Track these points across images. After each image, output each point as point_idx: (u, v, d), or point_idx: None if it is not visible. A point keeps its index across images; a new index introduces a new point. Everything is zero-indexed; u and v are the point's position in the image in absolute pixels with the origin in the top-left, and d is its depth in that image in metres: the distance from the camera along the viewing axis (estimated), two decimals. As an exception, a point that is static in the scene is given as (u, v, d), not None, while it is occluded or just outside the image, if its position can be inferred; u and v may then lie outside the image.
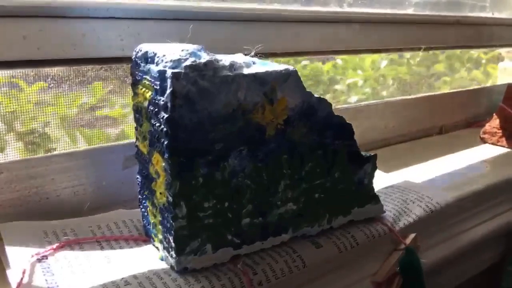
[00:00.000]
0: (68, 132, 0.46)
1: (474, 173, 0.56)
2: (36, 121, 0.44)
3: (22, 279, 0.29)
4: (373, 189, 0.41)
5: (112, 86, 0.48)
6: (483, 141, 0.70)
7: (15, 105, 0.42)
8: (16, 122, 0.44)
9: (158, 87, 0.30)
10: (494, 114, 0.72)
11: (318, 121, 0.35)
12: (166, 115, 0.29)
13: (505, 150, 0.66)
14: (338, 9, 0.56)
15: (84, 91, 0.46)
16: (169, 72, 0.29)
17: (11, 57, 0.35)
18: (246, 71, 0.31)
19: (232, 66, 0.31)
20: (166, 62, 0.30)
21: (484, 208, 0.51)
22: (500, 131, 0.68)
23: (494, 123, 0.70)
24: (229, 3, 0.47)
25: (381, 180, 0.50)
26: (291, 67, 0.33)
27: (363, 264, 0.39)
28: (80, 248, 0.34)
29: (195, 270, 0.32)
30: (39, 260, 0.32)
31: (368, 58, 0.96)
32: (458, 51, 1.05)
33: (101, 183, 0.41)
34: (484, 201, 0.51)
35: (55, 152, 0.39)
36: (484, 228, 0.50)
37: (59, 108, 0.45)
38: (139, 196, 0.37)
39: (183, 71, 0.29)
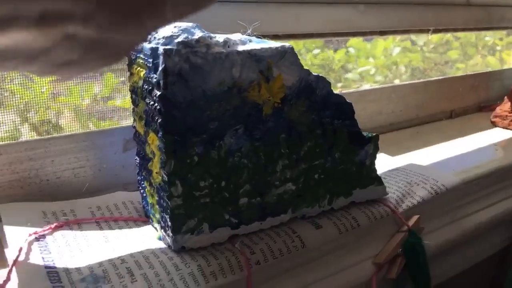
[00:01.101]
0: (81, 122, 0.46)
1: (483, 156, 0.55)
2: (50, 111, 0.45)
3: (18, 256, 0.29)
4: (375, 170, 0.40)
5: (123, 78, 0.48)
6: (494, 124, 0.68)
7: (29, 96, 0.42)
8: (29, 113, 0.44)
9: (151, 65, 0.30)
10: (505, 97, 0.70)
11: (316, 100, 0.35)
12: (159, 93, 0.29)
13: (516, 133, 0.64)
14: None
15: (97, 82, 0.46)
16: (161, 49, 0.28)
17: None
18: (240, 48, 0.31)
19: (226, 43, 0.30)
20: (158, 39, 0.29)
21: (492, 191, 0.50)
22: (511, 114, 0.67)
23: (505, 107, 0.68)
24: (228, -17, 0.46)
25: (386, 163, 0.49)
26: (287, 44, 0.32)
27: (364, 246, 0.38)
28: (78, 228, 0.35)
29: (193, 249, 0.32)
30: (37, 239, 0.32)
31: (380, 46, 0.94)
32: (473, 38, 1.03)
33: (102, 165, 0.41)
34: (492, 184, 0.50)
35: (54, 135, 0.39)
36: (492, 211, 0.48)
37: (72, 98, 0.45)
38: (138, 177, 0.37)
39: (175, 47, 0.28)
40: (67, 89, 0.44)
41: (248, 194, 0.34)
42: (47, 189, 0.39)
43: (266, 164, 0.34)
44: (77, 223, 0.35)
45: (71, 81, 0.43)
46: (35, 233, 0.32)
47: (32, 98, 0.42)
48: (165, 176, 0.30)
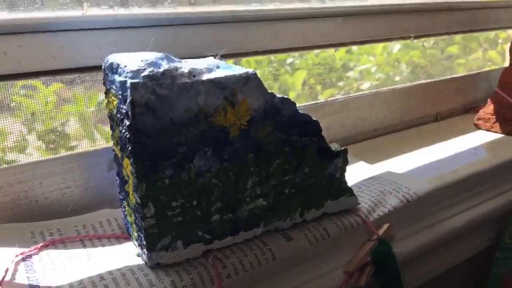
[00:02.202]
0: (86, 130, 0.49)
1: (461, 161, 0.56)
2: (55, 121, 0.48)
3: (4, 277, 0.31)
4: (345, 182, 0.42)
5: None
6: (477, 127, 0.70)
7: (35, 107, 0.45)
8: (36, 123, 0.47)
9: (120, 97, 0.32)
10: (488, 99, 0.71)
11: (282, 120, 0.37)
12: (128, 123, 0.31)
13: (498, 136, 0.66)
14: (318, 5, 0.56)
15: (101, 90, 0.48)
16: (128, 83, 0.30)
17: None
18: (205, 77, 0.33)
19: (191, 73, 0.32)
20: (127, 73, 0.31)
21: (469, 195, 0.51)
22: (494, 116, 0.68)
23: (488, 109, 0.70)
24: (205, 7, 0.48)
25: (363, 172, 0.51)
26: (250, 70, 0.35)
27: (336, 255, 0.40)
28: (63, 247, 0.37)
29: (168, 265, 0.35)
30: (23, 259, 0.34)
31: (380, 44, 0.95)
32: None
33: (88, 184, 0.44)
34: (469, 189, 0.51)
35: (41, 158, 0.42)
36: (468, 215, 0.50)
37: (77, 107, 0.47)
38: (120, 197, 0.39)
39: (141, 81, 0.31)
40: (73, 98, 0.47)
41: (219, 211, 0.36)
42: (36, 209, 0.41)
43: (236, 182, 0.36)
44: (62, 242, 0.37)
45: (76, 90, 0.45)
46: (22, 253, 0.35)
47: (38, 108, 0.45)
48: (138, 199, 0.33)
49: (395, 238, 0.43)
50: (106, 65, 0.35)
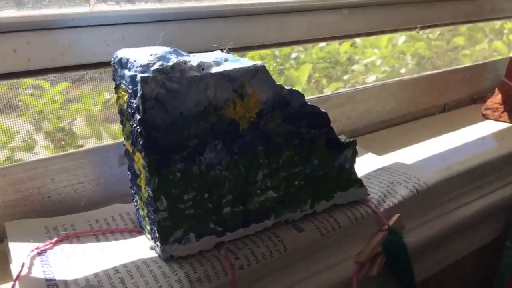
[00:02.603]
0: (93, 129, 0.49)
1: (469, 151, 0.56)
2: (63, 119, 0.48)
3: (20, 271, 0.32)
4: (355, 173, 0.42)
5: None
6: (485, 117, 0.69)
7: (42, 106, 0.45)
8: (43, 122, 0.47)
9: (131, 91, 0.32)
10: (496, 89, 0.71)
11: (291, 111, 0.37)
12: (139, 117, 0.31)
13: (506, 125, 0.65)
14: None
15: (107, 88, 0.48)
16: (138, 77, 0.31)
17: (4, 69, 0.38)
18: (214, 70, 0.33)
19: (200, 66, 0.33)
20: (136, 67, 0.32)
21: (478, 185, 0.51)
22: (502, 106, 0.68)
23: (496, 99, 0.69)
24: (210, 1, 0.49)
25: (372, 163, 0.51)
26: (259, 63, 0.35)
27: (347, 246, 0.41)
28: (78, 241, 0.37)
29: (181, 258, 0.35)
30: (39, 254, 0.35)
31: (385, 36, 0.94)
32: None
33: (100, 180, 0.44)
34: (477, 179, 0.51)
35: (53, 154, 0.42)
36: (478, 205, 0.50)
37: (84, 105, 0.48)
38: (131, 191, 0.40)
39: (151, 75, 0.31)
40: (79, 96, 0.47)
41: (231, 204, 0.36)
42: (49, 205, 0.42)
43: (247, 175, 0.36)
44: (76, 237, 0.38)
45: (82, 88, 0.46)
46: (37, 248, 0.35)
47: (45, 107, 0.45)
48: (150, 192, 0.33)
49: (405, 228, 0.43)
50: (115, 60, 0.35)
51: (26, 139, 0.46)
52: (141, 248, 0.37)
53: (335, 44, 0.87)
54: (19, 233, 0.37)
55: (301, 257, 0.38)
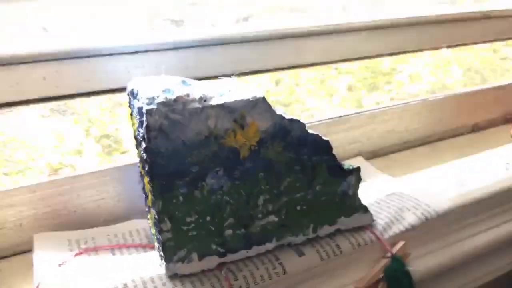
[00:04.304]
0: None
1: (490, 176, 0.55)
2: (110, 127, 0.52)
3: (39, 284, 0.36)
4: (359, 199, 0.43)
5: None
6: (516, 139, 0.67)
7: (91, 112, 0.49)
8: (92, 128, 0.51)
9: (138, 121, 0.35)
10: (528, 110, 0.68)
11: (292, 140, 0.39)
12: (144, 145, 0.34)
13: (536, 149, 0.63)
14: (340, 21, 0.57)
15: None
16: (144, 109, 0.34)
17: (34, 95, 0.43)
18: (215, 101, 0.35)
19: (201, 98, 0.35)
20: (143, 99, 0.35)
21: (495, 213, 0.50)
22: (534, 128, 0.65)
23: (528, 120, 0.67)
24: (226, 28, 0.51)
25: (386, 186, 0.52)
26: (259, 94, 0.37)
27: (348, 271, 0.41)
28: (95, 254, 0.41)
29: (185, 276, 0.37)
30: (59, 265, 0.39)
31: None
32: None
33: (121, 196, 0.48)
34: (495, 206, 0.50)
35: (79, 172, 0.46)
36: (493, 233, 0.49)
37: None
38: (146, 209, 0.43)
39: (155, 107, 0.34)
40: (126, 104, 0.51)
41: (232, 227, 0.38)
42: (75, 219, 0.46)
43: (248, 199, 0.38)
44: (94, 250, 0.41)
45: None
46: (58, 260, 0.39)
47: (94, 114, 0.50)
48: (155, 214, 0.36)
49: (412, 256, 0.43)
50: (128, 90, 0.38)
51: (77, 144, 0.50)
52: (151, 263, 0.40)
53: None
54: (45, 245, 0.41)
55: (301, 281, 0.40)
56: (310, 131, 0.39)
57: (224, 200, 0.37)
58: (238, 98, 0.36)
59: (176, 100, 0.34)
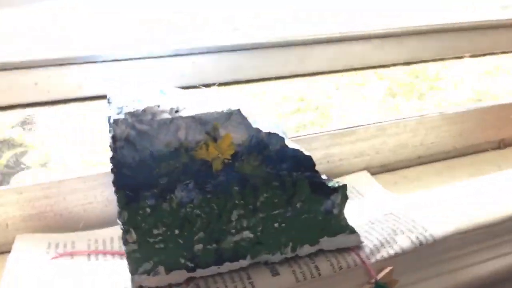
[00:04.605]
0: None
1: (503, 199, 0.50)
2: None
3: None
4: (344, 219, 0.40)
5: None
6: (544, 159, 0.61)
7: None
8: None
9: (108, 130, 0.35)
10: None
11: (270, 154, 0.37)
12: (111, 155, 0.34)
13: None
14: (348, 29, 0.55)
15: None
16: (111, 118, 0.33)
17: (25, 100, 0.43)
18: (186, 113, 0.34)
19: (172, 109, 0.34)
20: (114, 109, 0.34)
21: (503, 240, 0.46)
22: None
23: (559, 139, 0.61)
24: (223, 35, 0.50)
25: (385, 204, 0.49)
26: (234, 107, 0.35)
27: (328, 295, 0.39)
28: (71, 259, 0.41)
29: (150, 288, 0.37)
30: (30, 269, 0.39)
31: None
32: None
33: (108, 202, 0.48)
34: (504, 233, 0.46)
35: (67, 176, 0.47)
36: (499, 263, 0.45)
37: None
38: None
39: (122, 117, 0.33)
40: None
41: (202, 241, 0.37)
42: (61, 222, 0.46)
43: (220, 214, 0.37)
44: (70, 255, 0.41)
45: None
46: (31, 263, 0.39)
47: None
48: (121, 225, 0.35)
49: (399, 283, 0.40)
50: (107, 98, 0.38)
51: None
52: (122, 273, 0.39)
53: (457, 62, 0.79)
54: (24, 246, 0.42)
55: (274, 302, 0.38)
56: (291, 145, 0.37)
57: (195, 214, 0.36)
58: (211, 109, 0.35)
59: (144, 110, 0.33)
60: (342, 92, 0.72)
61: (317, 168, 0.55)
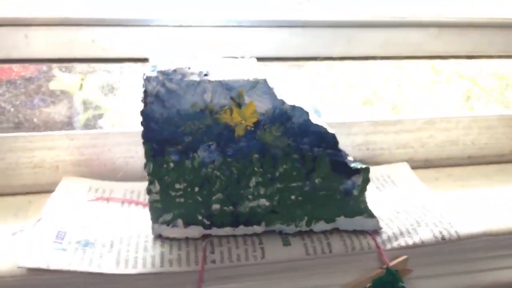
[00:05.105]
0: None
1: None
2: None
3: (39, 219, 0.40)
4: (364, 202, 0.40)
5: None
6: None
7: None
8: None
9: (142, 86, 0.37)
10: None
11: (293, 127, 0.37)
12: (141, 109, 0.36)
13: None
14: (405, 15, 0.53)
15: None
16: (144, 75, 0.36)
17: (83, 55, 0.47)
18: (214, 77, 0.36)
19: (201, 72, 0.36)
20: (149, 67, 0.37)
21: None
22: None
23: None
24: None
25: (417, 197, 0.47)
26: (260, 77, 0.36)
27: (337, 274, 0.39)
28: (106, 203, 0.45)
29: (169, 238, 0.39)
30: (71, 207, 0.43)
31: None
32: None
33: (148, 158, 0.51)
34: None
35: (112, 130, 0.51)
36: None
37: None
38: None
39: (154, 74, 0.35)
40: None
41: (220, 202, 0.39)
42: (104, 170, 0.50)
43: (239, 178, 0.38)
44: (106, 200, 0.45)
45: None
46: (71, 202, 0.43)
47: None
48: (147, 176, 0.38)
49: (415, 274, 0.39)
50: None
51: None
52: (148, 223, 0.42)
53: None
54: (68, 187, 0.46)
55: (282, 270, 0.39)
56: (315, 121, 0.38)
57: (215, 175, 0.38)
58: (238, 76, 0.36)
59: (175, 70, 0.36)
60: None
61: (355, 154, 0.56)
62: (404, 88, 0.69)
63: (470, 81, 0.70)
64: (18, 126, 0.55)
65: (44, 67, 0.54)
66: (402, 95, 0.69)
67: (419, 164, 0.58)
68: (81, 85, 0.58)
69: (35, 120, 0.55)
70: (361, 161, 0.41)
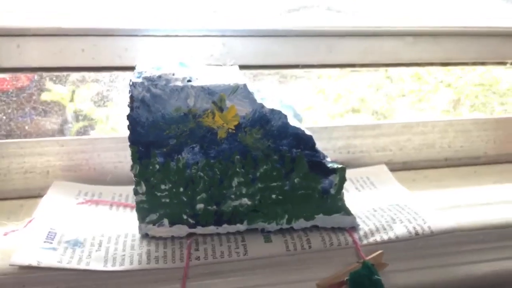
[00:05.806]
0: None
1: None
2: None
3: (30, 220, 0.42)
4: (342, 200, 0.42)
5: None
6: None
7: None
8: None
9: (128, 91, 0.39)
10: None
11: (272, 129, 0.40)
12: (127, 113, 0.38)
13: None
14: (380, 24, 0.56)
15: None
16: (131, 81, 0.38)
17: (73, 64, 0.49)
18: (197, 82, 0.38)
19: (185, 78, 0.38)
20: (135, 73, 0.39)
21: (505, 245, 0.45)
22: None
23: None
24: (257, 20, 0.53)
25: (394, 197, 0.50)
26: (240, 81, 0.38)
27: (315, 269, 0.41)
28: (95, 206, 0.47)
29: (155, 237, 0.41)
30: (60, 210, 0.45)
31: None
32: None
33: (136, 163, 0.53)
34: (505, 239, 0.45)
35: (101, 135, 0.52)
36: (495, 266, 0.44)
37: None
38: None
39: (140, 80, 0.37)
40: None
41: (204, 201, 0.41)
42: (93, 175, 0.52)
43: (222, 178, 0.40)
44: (95, 203, 0.47)
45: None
46: (60, 205, 0.45)
47: None
48: (133, 177, 0.40)
49: (390, 268, 0.41)
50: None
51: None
52: (135, 224, 0.44)
53: (501, 68, 0.74)
54: (58, 190, 0.48)
55: (263, 265, 0.41)
56: (293, 124, 0.40)
57: (198, 175, 0.40)
58: (220, 82, 0.38)
59: (160, 76, 0.38)
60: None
61: (336, 157, 0.58)
62: (392, 98, 0.72)
63: (457, 88, 0.73)
64: (10, 134, 0.57)
65: (35, 76, 0.56)
66: (390, 105, 0.72)
67: (398, 167, 0.61)
68: (72, 96, 0.60)
69: (26, 127, 0.57)
70: (342, 163, 0.43)
